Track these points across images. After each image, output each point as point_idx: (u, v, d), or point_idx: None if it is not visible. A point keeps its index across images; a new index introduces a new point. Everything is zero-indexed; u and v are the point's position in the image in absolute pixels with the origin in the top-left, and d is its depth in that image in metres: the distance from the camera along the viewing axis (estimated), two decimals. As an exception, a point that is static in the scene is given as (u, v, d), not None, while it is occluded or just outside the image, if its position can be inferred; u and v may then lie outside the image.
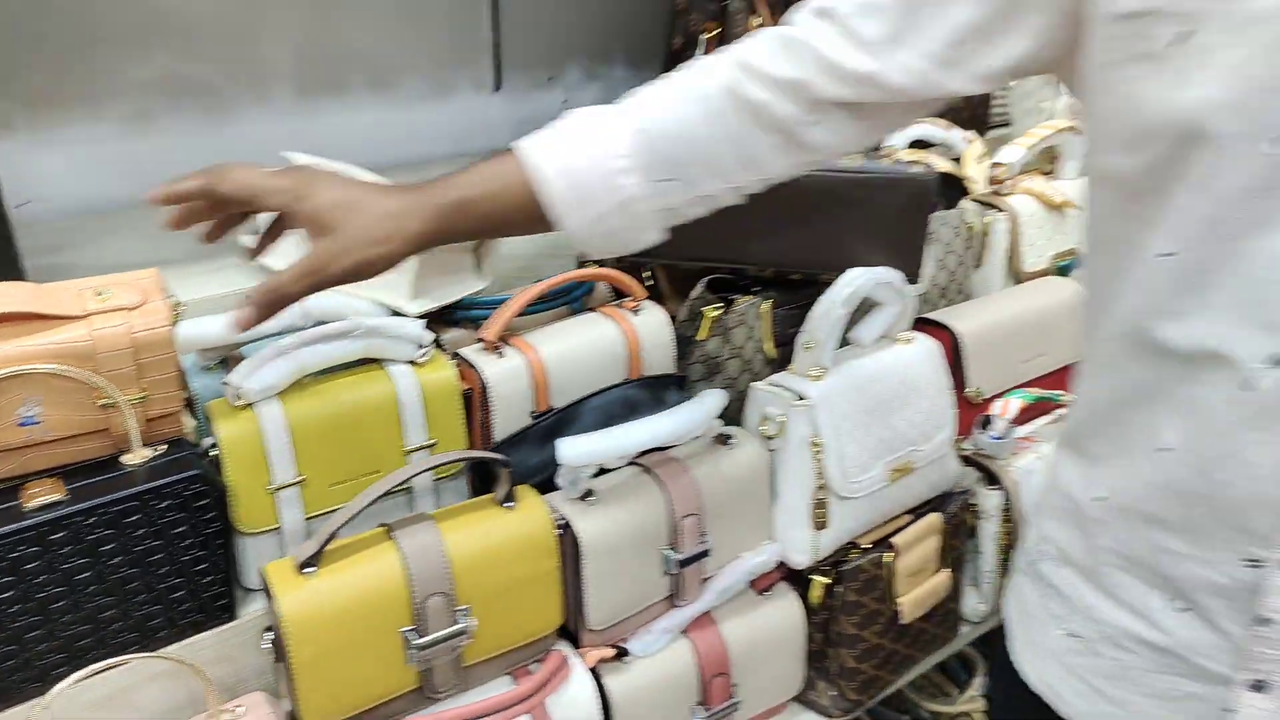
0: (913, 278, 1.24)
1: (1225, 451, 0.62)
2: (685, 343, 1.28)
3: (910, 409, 1.21)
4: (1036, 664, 0.81)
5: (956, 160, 1.74)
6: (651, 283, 1.41)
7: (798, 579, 1.19)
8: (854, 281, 1.16)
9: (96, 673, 0.79)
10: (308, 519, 1.00)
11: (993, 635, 1.37)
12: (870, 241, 1.22)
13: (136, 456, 0.91)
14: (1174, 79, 0.56)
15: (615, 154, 0.76)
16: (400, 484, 0.93)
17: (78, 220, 1.43)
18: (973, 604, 1.37)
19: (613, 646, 1.05)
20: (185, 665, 0.86)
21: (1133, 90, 0.59)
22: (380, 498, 0.91)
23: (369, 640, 0.89)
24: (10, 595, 0.82)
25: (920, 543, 1.22)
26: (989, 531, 1.33)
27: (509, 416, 1.11)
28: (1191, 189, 0.58)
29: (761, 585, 1.17)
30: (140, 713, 0.90)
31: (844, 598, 1.17)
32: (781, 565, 1.17)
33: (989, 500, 1.32)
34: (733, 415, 1.19)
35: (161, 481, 0.88)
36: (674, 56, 1.72)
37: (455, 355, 1.12)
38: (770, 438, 1.15)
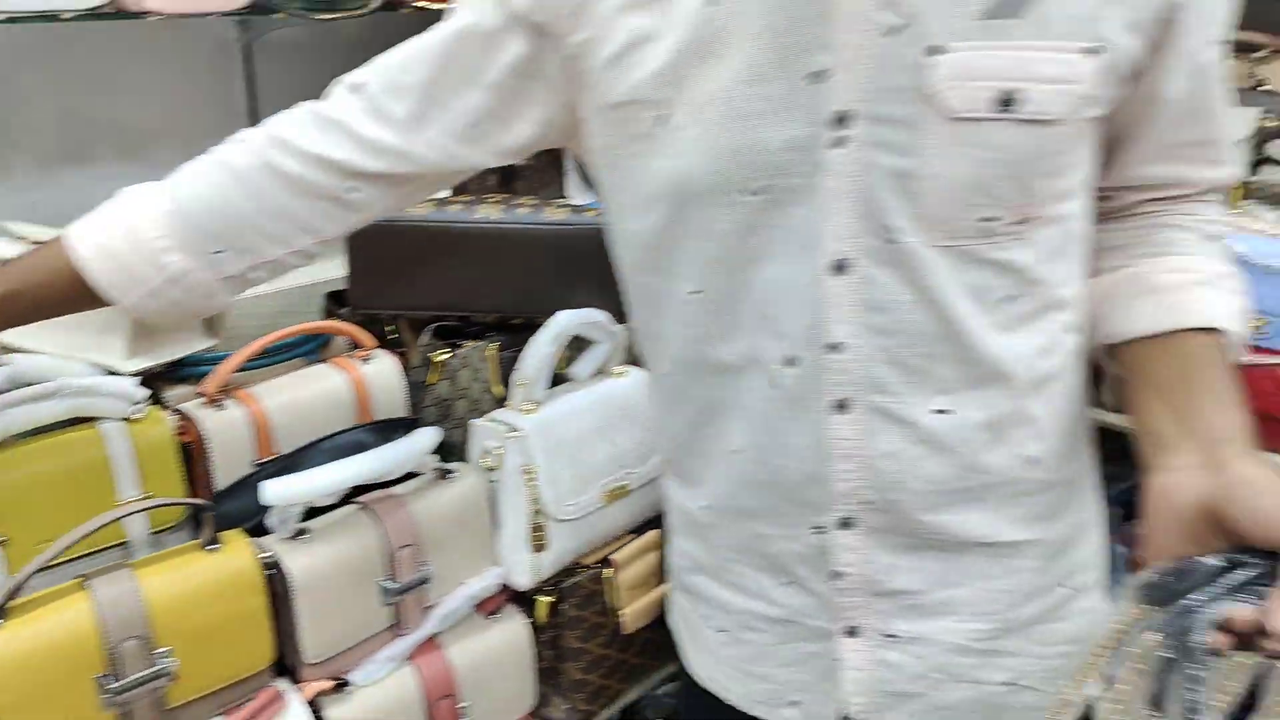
0: (621, 317, 1.37)
1: (774, 441, 0.75)
2: (419, 388, 1.37)
3: (624, 435, 1.33)
4: (701, 663, 0.91)
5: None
6: (395, 334, 1.49)
7: (525, 600, 1.27)
8: (561, 322, 1.28)
9: None
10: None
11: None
12: (579, 286, 1.35)
13: None
14: (661, 152, 0.70)
15: (153, 235, 0.80)
16: (115, 540, 0.96)
17: None
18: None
19: (333, 679, 1.10)
20: None
21: (633, 164, 0.73)
22: (94, 554, 0.94)
23: (62, 687, 0.91)
24: None
25: (640, 557, 1.34)
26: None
27: (230, 466, 1.16)
28: (697, 237, 0.72)
29: (488, 608, 1.24)
30: None
31: (567, 614, 1.26)
32: (507, 588, 1.25)
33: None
34: (465, 453, 1.28)
35: None
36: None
37: (176, 410, 1.17)
38: (490, 469, 1.25)
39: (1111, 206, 0.76)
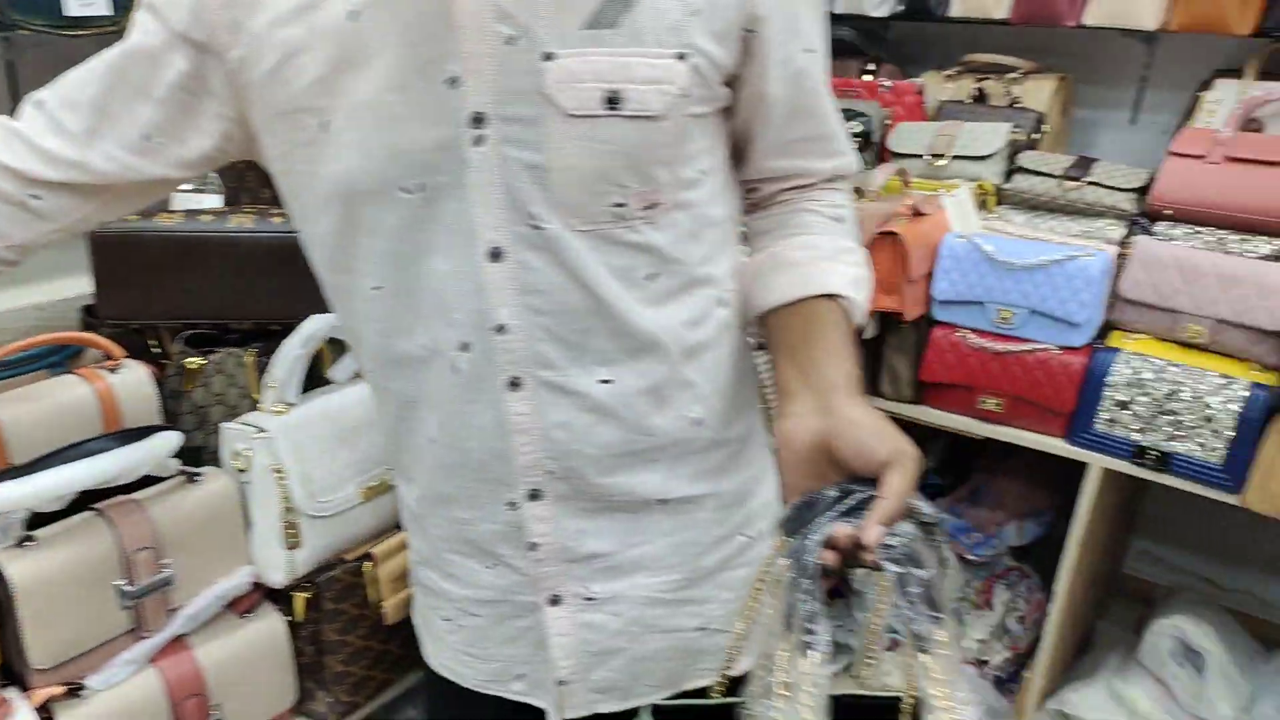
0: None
1: (461, 425, 0.79)
2: (177, 396, 1.38)
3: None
4: (436, 652, 0.94)
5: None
6: (157, 345, 1.49)
7: (283, 597, 1.30)
8: (312, 326, 1.32)
9: None
10: None
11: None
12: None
13: None
14: (327, 156, 0.75)
15: None
16: None
17: None
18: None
19: (66, 684, 1.10)
20: None
21: (305, 170, 0.77)
22: None
23: None
24: None
25: (402, 551, 1.38)
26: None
27: (-42, 479, 1.15)
28: (370, 235, 0.77)
29: (242, 607, 1.27)
30: None
31: (326, 608, 1.29)
32: (261, 586, 1.28)
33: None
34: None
35: None
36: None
37: (-101, 426, 1.15)
38: (241, 470, 1.27)
39: (758, 198, 0.86)
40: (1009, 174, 1.74)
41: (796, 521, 0.64)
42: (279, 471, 1.25)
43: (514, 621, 0.85)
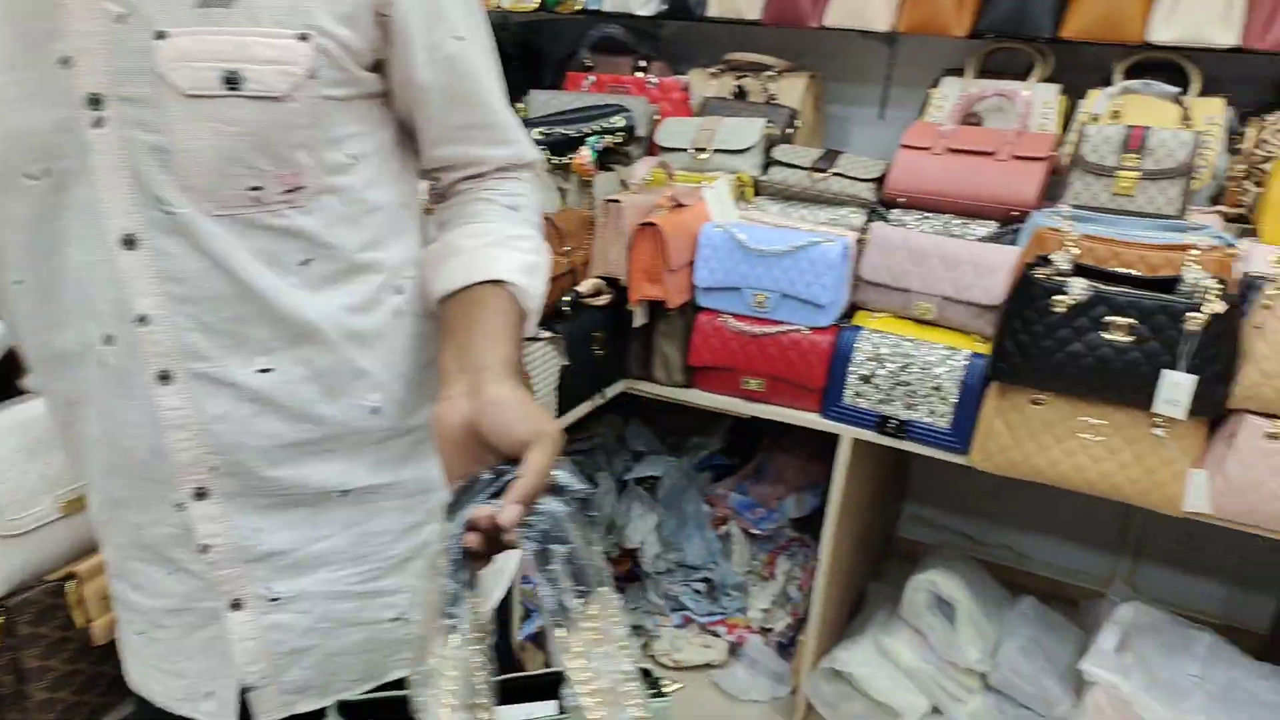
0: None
1: (117, 423, 0.75)
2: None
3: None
4: (133, 669, 0.89)
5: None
6: None
7: (-5, 624, 1.22)
8: None
9: None
10: None
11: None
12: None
13: None
14: None
15: None
16: None
17: None
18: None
19: None
20: None
21: None
22: None
23: None
24: None
25: (151, 564, 1.32)
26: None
27: None
28: (3, 227, 0.73)
29: (-49, 638, 1.18)
30: None
31: (22, 632, 1.21)
32: (-34, 614, 1.19)
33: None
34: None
35: None
36: None
37: None
38: (-51, 491, 1.18)
39: (441, 188, 0.87)
40: (766, 166, 1.84)
41: (455, 506, 0.64)
42: (-16, 488, 1.17)
43: (200, 632, 0.82)
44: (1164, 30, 1.57)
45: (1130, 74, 1.70)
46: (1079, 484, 1.48)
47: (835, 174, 1.75)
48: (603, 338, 1.66)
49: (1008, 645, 1.82)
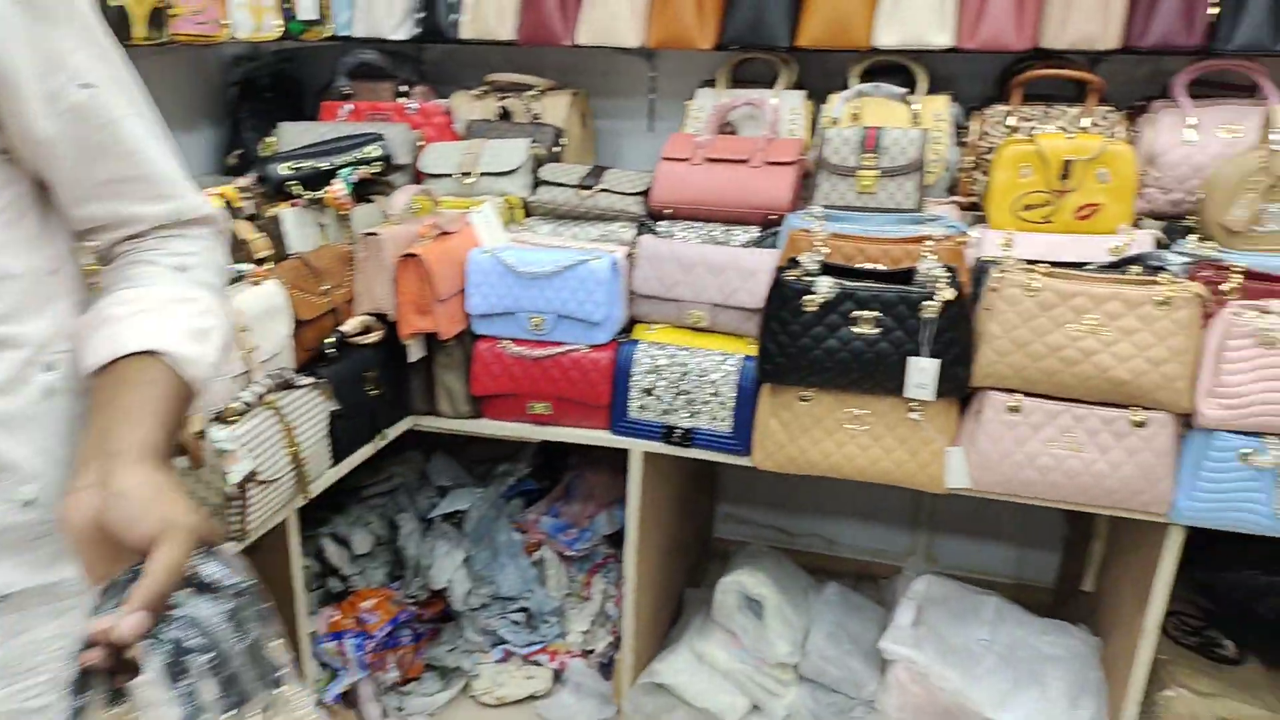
0: None
1: None
2: None
3: None
4: None
5: None
6: None
7: None
8: None
9: None
10: None
11: None
12: None
13: None
14: None
15: None
16: None
17: None
18: None
19: None
20: None
21: None
22: None
23: None
24: None
25: None
26: None
27: None
28: None
29: None
30: None
31: None
32: None
33: None
34: None
35: None
36: None
37: None
38: None
39: (101, 253, 0.78)
40: (535, 186, 1.83)
41: (99, 610, 0.56)
42: None
43: None
44: (887, 35, 1.66)
45: (865, 78, 1.78)
46: (852, 473, 1.54)
47: (602, 190, 1.75)
48: (376, 376, 1.60)
49: (815, 633, 1.87)
